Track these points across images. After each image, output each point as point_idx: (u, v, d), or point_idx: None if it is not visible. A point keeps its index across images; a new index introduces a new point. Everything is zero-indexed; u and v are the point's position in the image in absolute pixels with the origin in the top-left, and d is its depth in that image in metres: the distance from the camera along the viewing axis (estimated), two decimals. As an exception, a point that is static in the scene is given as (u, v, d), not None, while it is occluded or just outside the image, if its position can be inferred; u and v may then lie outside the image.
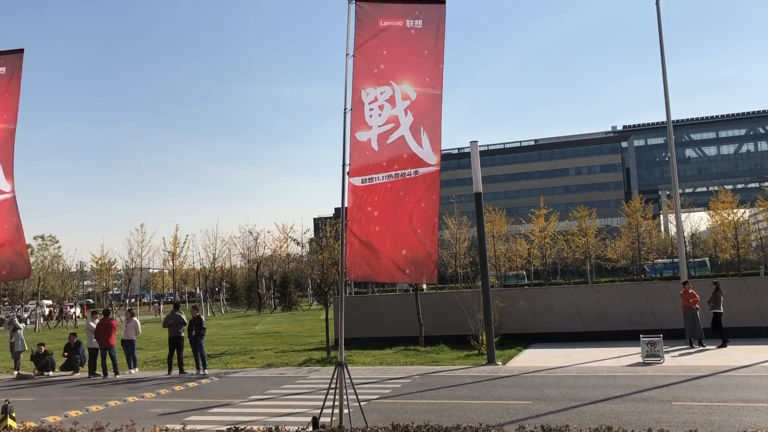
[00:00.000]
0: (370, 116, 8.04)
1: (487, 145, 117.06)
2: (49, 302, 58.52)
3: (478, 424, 5.88)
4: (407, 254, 7.84)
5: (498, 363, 16.85)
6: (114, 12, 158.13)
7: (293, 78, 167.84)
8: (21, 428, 6.45)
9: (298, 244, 55.64)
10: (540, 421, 9.88)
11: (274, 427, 5.86)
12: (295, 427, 5.72)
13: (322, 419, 7.83)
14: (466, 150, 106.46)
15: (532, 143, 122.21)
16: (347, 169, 8.28)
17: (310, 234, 62.88)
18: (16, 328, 20.46)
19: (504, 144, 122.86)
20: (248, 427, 5.92)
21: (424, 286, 38.85)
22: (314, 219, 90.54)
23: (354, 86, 8.13)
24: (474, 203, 18.36)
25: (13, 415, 9.64)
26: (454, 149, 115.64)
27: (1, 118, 10.64)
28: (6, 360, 21.56)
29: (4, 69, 10.78)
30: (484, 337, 18.00)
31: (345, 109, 8.14)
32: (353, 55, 8.16)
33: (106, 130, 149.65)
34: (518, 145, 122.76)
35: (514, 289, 26.74)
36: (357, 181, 8.17)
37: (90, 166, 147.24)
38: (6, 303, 60.08)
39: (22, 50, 10.84)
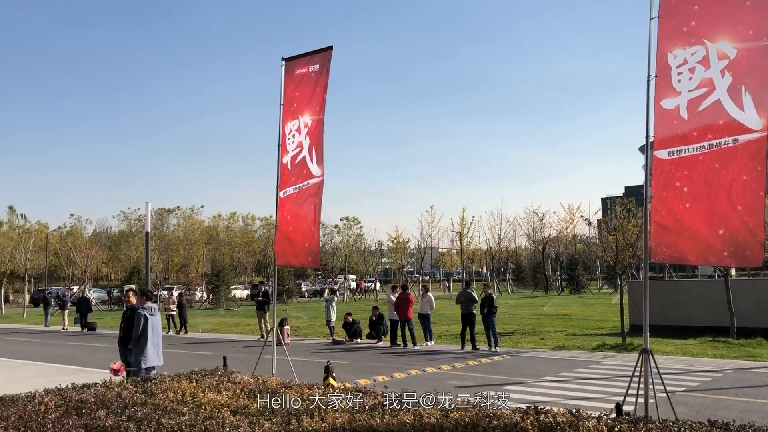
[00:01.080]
0: (679, 81, 7.23)
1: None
2: (354, 276, 65.15)
3: (820, 432, 4.98)
4: (725, 234, 6.93)
5: (835, 363, 14.37)
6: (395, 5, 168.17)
7: (574, 52, 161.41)
8: (341, 387, 7.21)
9: (589, 224, 53.88)
10: None
11: (575, 410, 5.65)
12: (597, 413, 5.44)
13: (624, 407, 7.39)
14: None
15: None
16: (651, 141, 7.61)
17: (599, 215, 60.27)
18: (327, 300, 23.23)
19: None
20: (548, 408, 5.79)
21: (733, 272, 34.73)
22: (602, 198, 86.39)
23: (659, 50, 7.38)
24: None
25: (334, 375, 10.85)
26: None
27: (314, 110, 11.74)
28: (323, 326, 24.47)
29: (317, 66, 11.83)
30: (816, 333, 15.48)
31: (649, 76, 7.44)
32: (657, 16, 7.44)
33: (390, 118, 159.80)
34: None
35: None
36: (663, 154, 7.45)
37: (381, 153, 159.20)
38: (320, 277, 68.41)
39: (330, 48, 11.75)
